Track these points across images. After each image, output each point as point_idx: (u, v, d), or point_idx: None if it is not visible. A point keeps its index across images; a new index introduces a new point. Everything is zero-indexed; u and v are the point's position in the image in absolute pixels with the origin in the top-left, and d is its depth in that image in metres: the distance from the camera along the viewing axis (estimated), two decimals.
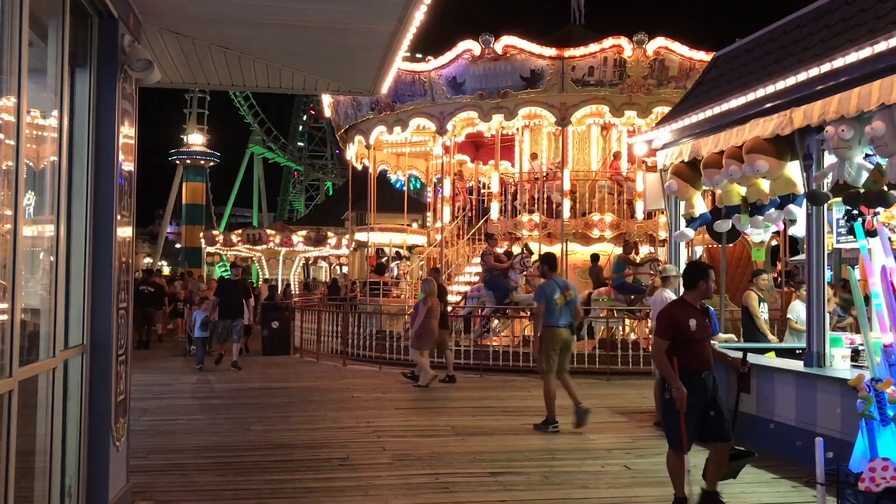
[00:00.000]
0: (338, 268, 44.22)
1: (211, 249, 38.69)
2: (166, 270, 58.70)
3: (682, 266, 10.60)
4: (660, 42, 16.28)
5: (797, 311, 10.63)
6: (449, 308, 15.22)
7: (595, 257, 16.90)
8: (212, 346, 16.44)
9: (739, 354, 8.99)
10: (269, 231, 37.12)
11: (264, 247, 36.06)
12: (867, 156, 7.05)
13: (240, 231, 38.26)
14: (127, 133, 5.72)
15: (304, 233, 36.72)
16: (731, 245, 13.11)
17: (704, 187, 9.65)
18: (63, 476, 4.99)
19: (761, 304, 10.69)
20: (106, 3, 5.21)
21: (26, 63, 3.97)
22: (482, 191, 21.64)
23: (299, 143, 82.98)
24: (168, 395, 12.07)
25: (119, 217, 5.51)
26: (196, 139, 65.29)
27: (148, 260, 65.20)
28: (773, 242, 16.83)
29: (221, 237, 37.99)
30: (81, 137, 5.24)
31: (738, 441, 8.46)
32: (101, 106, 5.36)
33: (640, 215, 18.09)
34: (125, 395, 5.84)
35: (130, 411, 6.17)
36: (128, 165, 5.75)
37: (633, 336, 15.76)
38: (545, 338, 9.41)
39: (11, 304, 3.86)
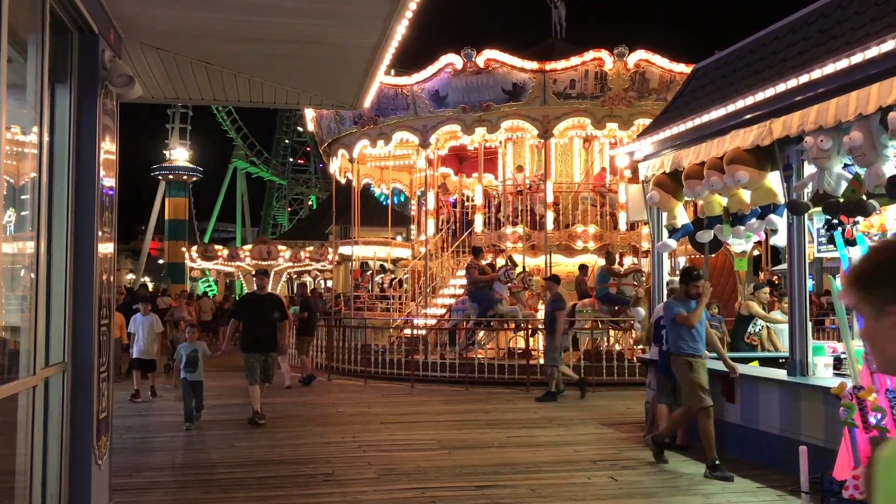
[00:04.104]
0: (322, 282, 44.01)
1: (211, 265, 37.54)
2: (150, 286, 58.19)
3: (666, 277, 10.67)
4: (640, 55, 16.41)
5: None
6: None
7: (583, 268, 16.93)
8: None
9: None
10: (280, 247, 36.35)
11: (252, 262, 35.57)
12: (846, 165, 7.12)
13: (249, 247, 37.13)
14: (108, 149, 5.69)
15: (311, 248, 36.33)
16: (713, 255, 13.18)
17: (686, 198, 9.70)
18: (44, 496, 4.92)
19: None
20: (86, 19, 5.19)
21: (5, 78, 3.95)
22: (466, 203, 21.67)
23: (282, 158, 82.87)
24: (151, 412, 11.96)
25: (100, 233, 5.47)
26: (179, 154, 64.95)
27: (131, 276, 64.68)
28: (755, 252, 16.94)
29: (226, 252, 36.20)
30: (62, 153, 5.20)
31: (723, 451, 8.51)
32: (81, 121, 5.33)
33: (623, 226, 18.18)
34: (107, 413, 5.79)
35: (113, 429, 6.12)
36: (109, 181, 5.72)
37: (617, 347, 15.79)
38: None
39: None
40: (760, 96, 7.88)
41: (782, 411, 7.87)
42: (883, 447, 1.53)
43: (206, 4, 5.69)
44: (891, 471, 1.47)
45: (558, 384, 12.91)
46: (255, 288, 11.61)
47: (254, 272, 18.49)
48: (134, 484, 7.25)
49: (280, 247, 36.20)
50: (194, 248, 39.22)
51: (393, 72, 16.91)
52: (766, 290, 11.60)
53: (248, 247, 37.01)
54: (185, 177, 65.62)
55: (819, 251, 8.96)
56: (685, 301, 8.27)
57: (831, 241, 7.48)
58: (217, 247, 38.58)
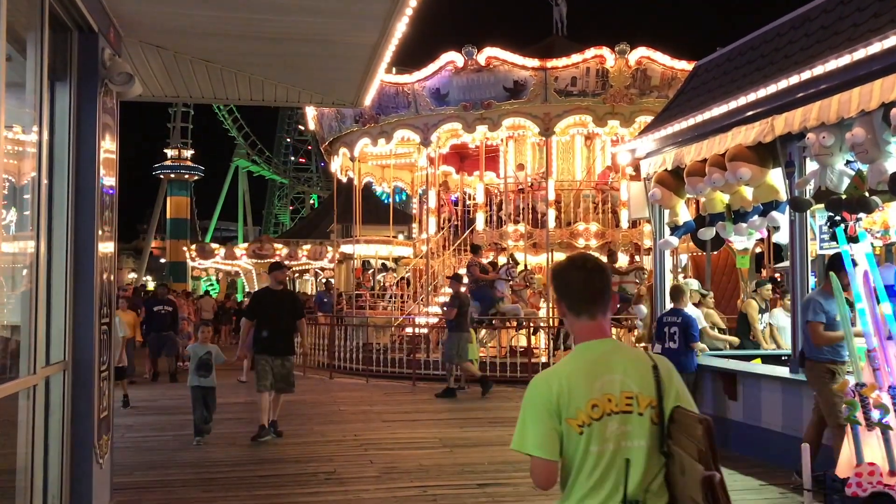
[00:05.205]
0: (323, 280, 44.03)
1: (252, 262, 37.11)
2: (151, 286, 58.28)
3: (668, 276, 10.64)
4: (642, 52, 16.38)
5: (777, 317, 10.77)
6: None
7: None
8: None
9: (727, 362, 9.05)
10: (328, 248, 36.40)
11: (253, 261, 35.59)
12: (848, 162, 7.10)
13: (308, 247, 37.13)
14: (108, 147, 5.68)
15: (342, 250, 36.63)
16: (715, 253, 13.15)
17: (688, 195, 9.68)
18: (45, 494, 4.92)
19: (763, 313, 10.78)
20: (86, 17, 5.18)
21: (4, 77, 3.94)
22: (467, 202, 21.65)
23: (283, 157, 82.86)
24: (153, 411, 11.95)
25: (101, 232, 5.46)
26: (180, 153, 64.97)
27: (133, 275, 64.74)
28: (758, 249, 16.90)
29: (285, 250, 35.57)
30: (62, 152, 5.19)
31: (724, 448, 8.50)
32: (81, 120, 5.32)
33: (625, 224, 18.16)
34: (108, 412, 5.78)
35: (114, 427, 6.11)
36: (109, 180, 5.71)
37: None
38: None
39: None
40: (762, 93, 7.85)
41: (784, 409, 7.85)
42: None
43: (205, 3, 5.67)
44: (532, 388, 2.44)
45: (459, 380, 13.44)
46: (271, 283, 10.11)
47: (273, 262, 17.03)
48: (135, 482, 7.25)
49: (328, 247, 36.38)
50: (242, 246, 38.61)
51: (394, 70, 16.88)
52: (769, 287, 11.59)
53: (308, 246, 37.09)
54: (186, 176, 65.68)
55: (821, 248, 8.93)
56: (831, 297, 6.50)
57: (833, 238, 7.46)
58: (277, 245, 37.88)
